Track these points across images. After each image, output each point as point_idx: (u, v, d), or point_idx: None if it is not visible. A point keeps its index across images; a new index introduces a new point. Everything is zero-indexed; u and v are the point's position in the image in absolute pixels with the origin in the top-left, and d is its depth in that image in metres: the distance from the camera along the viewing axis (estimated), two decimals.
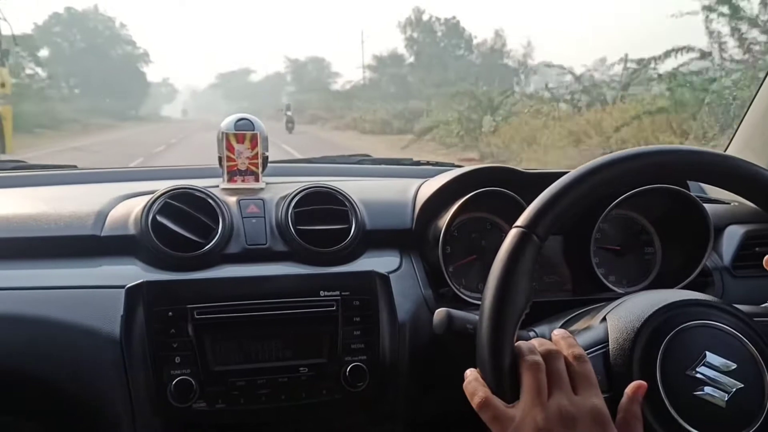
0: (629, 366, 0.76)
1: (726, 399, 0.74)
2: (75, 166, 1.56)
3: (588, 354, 0.77)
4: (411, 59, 40.52)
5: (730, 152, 1.50)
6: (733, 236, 1.29)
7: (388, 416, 1.15)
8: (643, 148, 0.80)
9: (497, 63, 36.83)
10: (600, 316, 0.84)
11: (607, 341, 0.79)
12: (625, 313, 0.81)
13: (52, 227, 1.13)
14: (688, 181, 1.28)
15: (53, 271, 1.09)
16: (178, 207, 1.12)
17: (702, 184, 1.44)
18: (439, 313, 0.89)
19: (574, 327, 0.89)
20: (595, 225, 1.21)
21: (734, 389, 0.74)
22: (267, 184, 1.28)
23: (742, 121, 1.49)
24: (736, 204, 1.37)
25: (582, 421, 0.68)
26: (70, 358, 1.03)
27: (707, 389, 0.74)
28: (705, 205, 1.21)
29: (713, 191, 1.45)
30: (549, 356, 0.73)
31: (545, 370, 0.72)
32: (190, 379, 1.02)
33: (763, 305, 0.95)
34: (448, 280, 1.18)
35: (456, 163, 1.66)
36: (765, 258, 0.88)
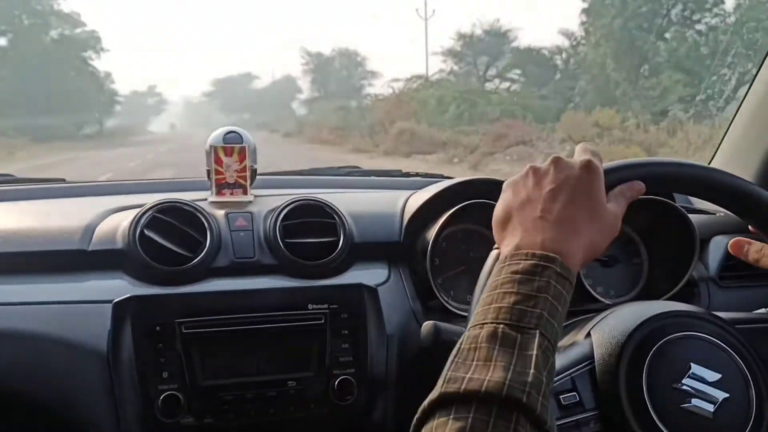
0: (616, 382, 0.76)
1: (713, 410, 0.74)
2: (63, 180, 1.56)
3: (574, 372, 0.77)
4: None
5: (714, 164, 1.51)
6: (718, 247, 1.30)
7: (377, 429, 1.15)
8: (627, 160, 0.81)
9: None
10: (584, 331, 0.84)
11: (593, 358, 0.79)
12: (609, 329, 0.81)
13: (39, 242, 1.13)
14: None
15: (40, 286, 1.09)
16: (166, 221, 1.12)
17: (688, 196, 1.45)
18: (427, 325, 0.89)
19: (559, 343, 0.89)
20: None
21: (720, 399, 0.75)
22: (255, 196, 1.28)
23: (726, 132, 1.50)
24: (722, 215, 1.38)
25: (571, 165, 0.71)
26: (56, 373, 1.03)
27: (694, 401, 0.74)
28: (691, 215, 1.22)
29: (699, 202, 1.46)
30: None
31: None
32: (178, 394, 1.01)
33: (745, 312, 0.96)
34: (437, 293, 1.18)
35: (445, 174, 1.67)
36: (729, 242, 0.89)
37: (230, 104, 58.28)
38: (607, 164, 0.77)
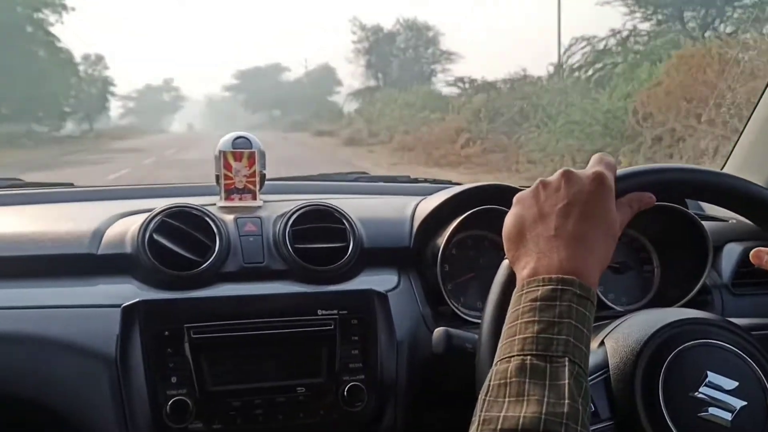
0: (631, 391, 0.75)
1: (730, 418, 0.73)
2: (71, 184, 1.56)
3: (589, 381, 0.76)
4: None
5: (726, 170, 1.50)
6: (731, 254, 1.29)
7: None
8: (638, 167, 0.80)
9: None
10: (598, 339, 0.83)
11: (607, 366, 0.78)
12: (623, 337, 0.80)
13: (48, 246, 1.13)
14: (686, 199, 1.28)
15: (49, 290, 1.08)
16: (175, 225, 1.12)
17: (700, 202, 1.45)
18: (438, 332, 0.88)
19: None
20: None
21: (738, 407, 0.74)
22: (264, 202, 1.28)
23: (739, 138, 1.49)
24: (735, 221, 1.37)
25: (582, 178, 0.69)
26: (64, 378, 1.02)
27: (711, 410, 0.73)
28: (703, 222, 1.21)
29: (711, 209, 1.45)
30: None
31: None
32: (187, 400, 1.00)
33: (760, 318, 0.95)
34: (447, 299, 1.17)
35: (453, 180, 1.66)
36: (751, 252, 0.88)
37: (256, 99, 50.30)
38: (619, 171, 0.76)
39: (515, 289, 0.66)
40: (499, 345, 0.63)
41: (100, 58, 34.18)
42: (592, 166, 0.72)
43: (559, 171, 0.71)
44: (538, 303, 0.62)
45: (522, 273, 0.67)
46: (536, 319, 0.61)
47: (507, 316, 0.64)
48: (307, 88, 44.43)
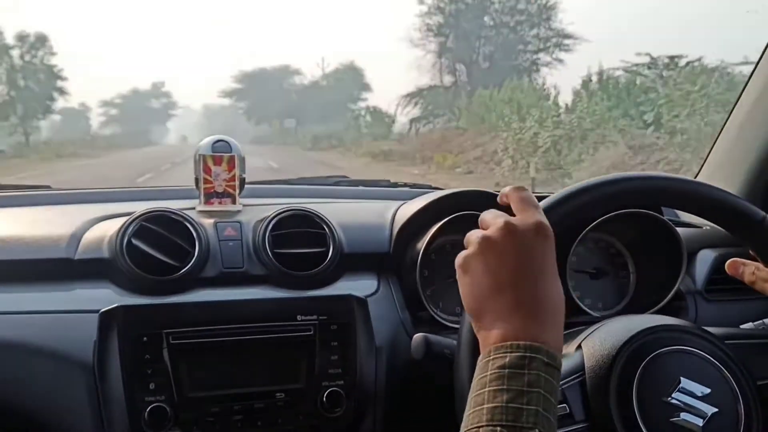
0: (606, 394, 0.76)
1: (701, 424, 0.74)
2: (48, 187, 1.54)
3: (564, 383, 0.77)
4: None
5: (700, 178, 1.52)
6: (705, 260, 1.31)
7: None
8: (615, 174, 0.82)
9: None
10: (575, 343, 0.84)
11: (584, 369, 0.79)
12: (600, 341, 0.81)
13: (24, 250, 1.11)
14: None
15: (24, 295, 1.07)
16: (154, 230, 1.11)
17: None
18: (417, 338, 0.89)
19: None
20: (570, 248, 1.22)
21: (710, 414, 0.75)
22: (244, 206, 1.27)
23: (712, 147, 1.51)
24: (708, 228, 1.39)
25: (526, 233, 0.67)
26: (41, 383, 1.01)
27: (683, 415, 0.75)
28: (678, 229, 1.23)
29: (686, 215, 1.47)
30: (487, 212, 0.73)
31: (485, 216, 0.72)
32: (165, 406, 1.00)
33: (738, 327, 0.96)
34: (426, 304, 1.18)
35: (433, 185, 1.67)
36: (727, 262, 0.90)
37: (259, 106, 41.24)
38: (543, 203, 0.76)
39: (480, 356, 0.65)
40: (466, 413, 0.62)
41: (42, 40, 24.57)
42: (523, 210, 0.70)
43: (501, 225, 0.68)
44: (506, 371, 0.61)
45: (487, 340, 0.65)
46: (505, 387, 0.60)
47: (473, 384, 0.63)
48: (326, 93, 35.38)
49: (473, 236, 0.70)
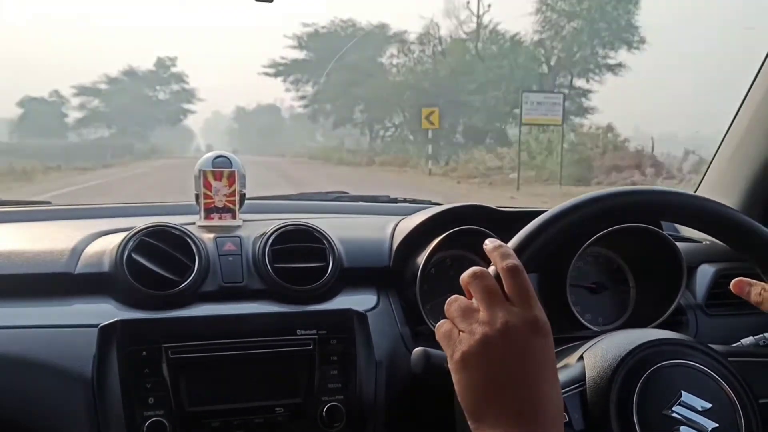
0: (606, 405, 0.76)
1: None
2: (49, 203, 1.54)
3: (565, 393, 0.77)
4: None
5: (700, 192, 1.53)
6: (705, 275, 1.31)
7: None
8: (615, 188, 0.82)
9: None
10: (577, 354, 0.84)
11: (584, 380, 0.79)
12: (601, 352, 0.81)
13: (25, 265, 1.11)
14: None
15: (24, 310, 1.07)
16: (154, 245, 1.11)
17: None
18: (417, 352, 0.89)
19: None
20: (570, 263, 1.22)
21: (710, 429, 0.75)
22: (244, 221, 1.28)
23: (712, 161, 1.52)
24: (708, 243, 1.39)
25: (525, 334, 0.66)
26: (40, 398, 1.01)
27: (683, 429, 0.74)
28: (678, 243, 1.23)
29: (686, 230, 1.47)
30: (476, 277, 0.71)
31: (476, 288, 0.70)
32: (164, 421, 1.00)
33: (736, 344, 0.96)
34: (426, 318, 1.17)
35: (432, 201, 1.67)
36: (732, 282, 0.89)
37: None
38: (512, 243, 0.75)
39: None
40: None
41: None
42: (520, 301, 0.68)
43: (500, 326, 0.66)
44: None
45: None
46: None
47: None
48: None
49: (476, 327, 0.68)
